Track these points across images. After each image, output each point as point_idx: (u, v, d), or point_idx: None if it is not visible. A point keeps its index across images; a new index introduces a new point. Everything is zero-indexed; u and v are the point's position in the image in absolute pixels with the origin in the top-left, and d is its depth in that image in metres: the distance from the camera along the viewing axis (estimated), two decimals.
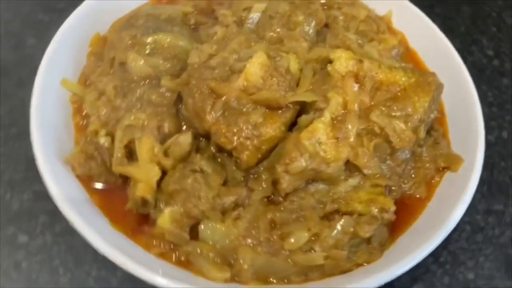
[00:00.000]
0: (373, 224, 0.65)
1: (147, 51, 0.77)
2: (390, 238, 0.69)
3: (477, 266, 0.82)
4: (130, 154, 0.70)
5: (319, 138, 0.67)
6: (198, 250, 0.64)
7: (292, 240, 0.64)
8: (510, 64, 1.07)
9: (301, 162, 0.64)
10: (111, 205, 0.69)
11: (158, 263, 0.64)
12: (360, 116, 0.70)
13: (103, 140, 0.70)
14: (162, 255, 0.65)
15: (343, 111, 0.70)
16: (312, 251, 0.63)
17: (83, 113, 0.78)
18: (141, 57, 0.76)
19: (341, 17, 0.90)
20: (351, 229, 0.64)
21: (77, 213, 0.63)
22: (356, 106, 0.70)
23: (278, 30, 0.82)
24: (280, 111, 0.71)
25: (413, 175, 0.75)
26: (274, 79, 0.70)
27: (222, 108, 0.69)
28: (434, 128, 0.79)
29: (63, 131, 0.75)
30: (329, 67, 0.73)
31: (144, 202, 0.65)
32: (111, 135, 0.71)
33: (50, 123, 0.73)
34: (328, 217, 0.68)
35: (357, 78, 0.72)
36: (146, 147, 0.69)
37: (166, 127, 0.72)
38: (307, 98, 0.70)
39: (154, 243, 0.66)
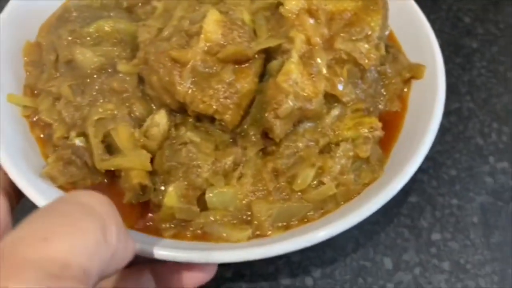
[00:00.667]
0: (368, 143, 0.67)
1: (92, 42, 0.73)
2: (384, 154, 0.72)
3: (455, 162, 0.88)
4: (109, 148, 0.67)
5: (295, 78, 0.67)
6: (212, 218, 0.63)
7: (299, 180, 0.64)
8: None
9: (289, 103, 0.64)
10: None
11: (178, 244, 0.62)
12: (325, 48, 0.71)
13: (78, 141, 0.66)
14: (177, 236, 0.63)
15: (308, 47, 0.70)
16: (321, 185, 0.64)
17: (41, 125, 0.73)
18: (87, 49, 0.71)
19: None
20: (351, 153, 0.66)
21: None
22: (318, 40, 0.71)
23: None
24: (248, 64, 0.70)
25: (384, 92, 0.78)
26: (234, 32, 0.68)
27: (191, 75, 0.67)
28: (389, 45, 0.82)
29: (27, 149, 0.70)
30: (281, 9, 0.73)
31: (143, 188, 0.63)
32: (83, 135, 0.67)
33: (12, 144, 0.67)
34: (324, 151, 0.68)
35: (311, 13, 0.73)
36: (124, 135, 0.65)
37: (137, 111, 0.69)
38: (272, 43, 0.70)
39: (164, 227, 0.64)
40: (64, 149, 0.65)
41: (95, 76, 0.71)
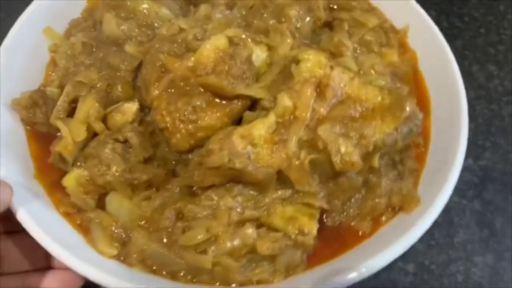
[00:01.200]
0: (278, 243, 0.59)
1: (124, 15, 0.76)
2: (304, 265, 0.62)
3: None
4: (73, 111, 0.70)
5: (254, 139, 0.62)
6: (98, 220, 0.63)
7: (188, 235, 0.59)
8: None
9: (219, 158, 0.59)
10: (44, 154, 0.69)
11: (59, 222, 0.63)
12: (311, 126, 0.63)
13: (51, 92, 0.70)
14: (68, 215, 0.64)
15: (290, 116, 0.64)
16: (203, 253, 0.59)
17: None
18: (114, 19, 0.75)
19: (347, 21, 0.83)
20: (251, 241, 0.58)
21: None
22: (307, 115, 0.63)
23: (269, 20, 0.77)
24: (226, 102, 0.66)
25: (358, 206, 0.67)
26: (226, 66, 0.65)
27: (168, 84, 0.66)
28: (403, 162, 0.70)
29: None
30: (293, 67, 0.66)
31: (62, 159, 0.64)
32: (62, 89, 0.71)
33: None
34: (243, 224, 0.62)
35: (319, 86, 0.65)
36: (86, 107, 0.68)
37: (116, 92, 0.71)
38: (254, 93, 0.65)
39: (65, 202, 0.65)
40: (37, 92, 0.71)
41: (107, 44, 0.74)
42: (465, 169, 0.79)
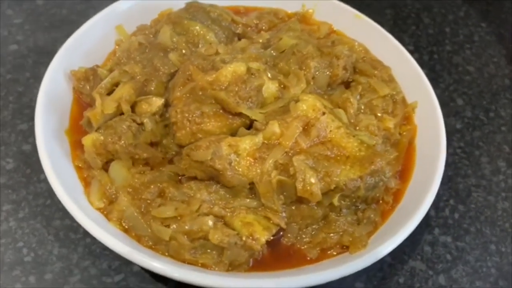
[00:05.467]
0: (229, 238, 0.69)
1: (178, 30, 0.92)
2: (248, 266, 0.72)
3: None
4: (112, 92, 0.86)
5: (239, 150, 0.74)
6: (99, 178, 0.76)
7: (160, 209, 0.71)
8: (427, 56, 1.27)
9: (203, 154, 0.72)
10: (79, 118, 0.85)
11: (70, 171, 0.78)
12: (289, 154, 0.74)
13: (101, 72, 0.87)
14: (78, 168, 0.79)
15: (275, 140, 0.75)
16: (167, 227, 0.70)
17: None
18: (169, 31, 0.91)
19: (362, 84, 0.93)
20: (206, 229, 0.69)
21: None
22: (289, 143, 0.74)
23: (292, 65, 0.89)
24: (229, 116, 0.79)
25: (312, 235, 0.76)
26: (236, 87, 0.78)
27: (189, 90, 0.81)
28: (365, 211, 0.78)
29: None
30: (291, 104, 0.79)
31: (90, 123, 0.80)
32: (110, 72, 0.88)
33: None
34: (206, 214, 0.72)
35: (308, 124, 0.76)
36: (122, 90, 0.83)
37: (150, 87, 0.86)
38: (252, 115, 0.77)
39: (80, 158, 0.80)
40: (91, 70, 0.88)
41: (157, 49, 0.91)
42: (442, 244, 0.91)
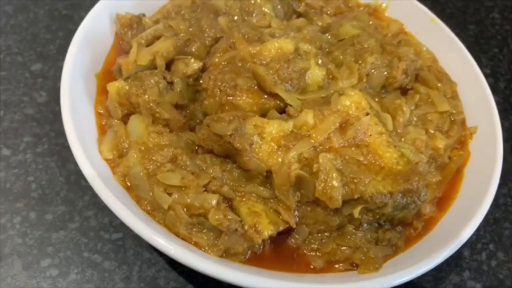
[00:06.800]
0: (229, 222, 0.62)
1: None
2: (245, 257, 0.66)
3: None
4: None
5: (264, 133, 0.67)
6: (116, 129, 0.73)
7: (166, 175, 0.66)
8: (504, 84, 1.16)
9: (223, 128, 0.65)
10: (114, 64, 0.81)
11: (89, 116, 0.75)
12: (317, 149, 0.67)
13: (146, 22, 0.83)
14: (99, 114, 0.76)
15: (306, 132, 0.68)
16: (169, 195, 0.65)
17: None
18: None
19: (421, 94, 0.84)
20: (208, 207, 0.63)
21: None
22: (320, 137, 0.67)
23: (348, 57, 0.81)
24: (264, 95, 0.72)
25: (322, 242, 0.68)
26: (278, 65, 0.72)
27: (228, 58, 0.75)
28: (387, 232, 0.69)
29: None
30: (333, 96, 0.71)
31: (120, 71, 0.76)
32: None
33: None
34: (214, 192, 0.67)
35: (346, 122, 0.68)
36: (162, 45, 0.78)
37: (191, 47, 0.81)
38: (286, 97, 0.70)
39: (103, 104, 0.76)
40: (136, 17, 0.84)
41: (209, 10, 0.86)
42: None
